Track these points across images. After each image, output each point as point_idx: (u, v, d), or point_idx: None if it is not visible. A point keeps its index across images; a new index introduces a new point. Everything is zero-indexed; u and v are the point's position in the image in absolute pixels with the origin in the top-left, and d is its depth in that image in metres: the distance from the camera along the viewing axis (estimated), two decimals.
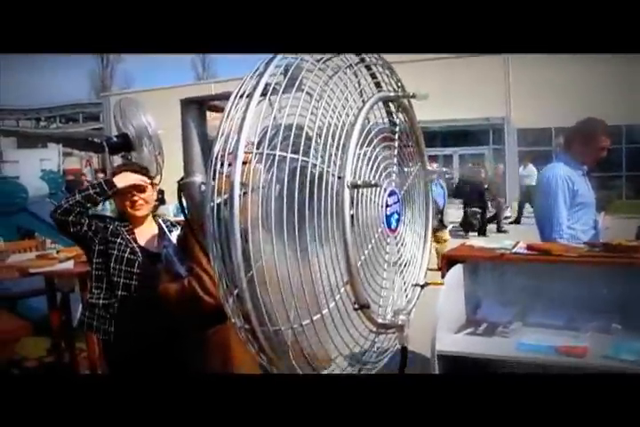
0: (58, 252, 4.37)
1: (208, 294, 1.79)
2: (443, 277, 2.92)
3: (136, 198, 2.64)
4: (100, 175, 17.67)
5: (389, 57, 1.30)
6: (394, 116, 1.35)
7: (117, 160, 4.26)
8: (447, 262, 3.02)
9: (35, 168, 9.74)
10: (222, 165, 0.94)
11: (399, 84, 1.34)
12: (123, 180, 2.58)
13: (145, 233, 2.68)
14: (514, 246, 3.12)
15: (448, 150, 19.85)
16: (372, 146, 1.16)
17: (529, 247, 3.07)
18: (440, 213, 8.73)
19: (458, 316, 3.05)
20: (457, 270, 2.97)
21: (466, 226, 12.41)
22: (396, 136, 1.33)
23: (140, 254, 2.57)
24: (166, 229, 2.15)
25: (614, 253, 2.79)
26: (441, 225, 8.69)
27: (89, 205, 2.54)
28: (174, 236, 2.05)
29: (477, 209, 12.35)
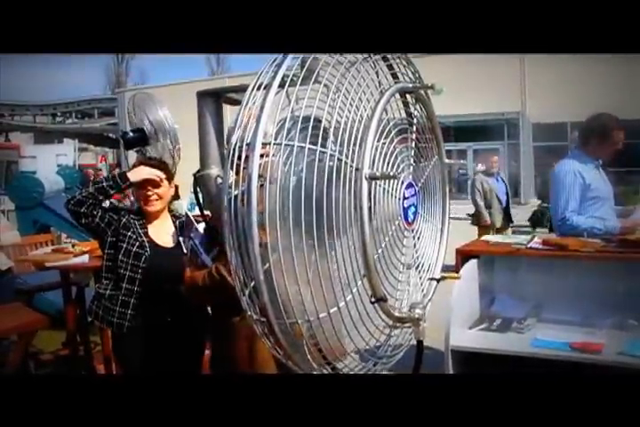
0: (73, 246, 4.39)
1: None
2: (457, 271, 2.91)
3: (149, 193, 2.63)
4: (116, 171, 17.80)
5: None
6: (411, 107, 1.34)
7: (132, 155, 4.28)
8: (462, 257, 3.00)
9: (51, 163, 9.81)
10: (240, 156, 0.94)
11: (416, 75, 1.32)
12: (137, 174, 2.58)
13: (158, 228, 2.69)
14: (529, 241, 3.10)
15: (462, 145, 19.72)
16: (389, 138, 1.15)
17: (544, 242, 3.04)
18: (505, 210, 7.94)
19: (472, 311, 3.04)
20: (472, 265, 2.95)
21: (537, 222, 10.74)
22: (414, 128, 1.32)
23: (148, 249, 2.57)
24: (194, 220, 2.16)
25: (631, 249, 2.75)
26: (506, 223, 7.97)
27: (101, 197, 2.54)
28: (201, 227, 2.06)
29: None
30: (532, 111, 18.97)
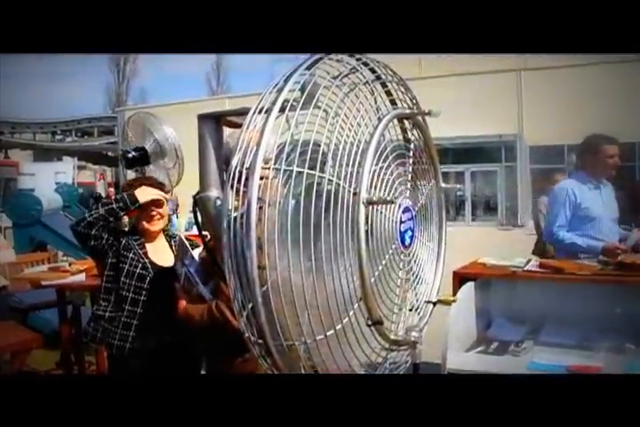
0: (70, 264, 4.39)
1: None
2: (454, 294, 2.91)
3: (154, 213, 2.65)
4: (111, 189, 17.70)
5: (404, 73, 1.32)
6: (408, 133, 1.36)
7: (130, 174, 4.29)
8: (459, 280, 3.01)
9: (50, 181, 9.85)
10: (239, 179, 0.95)
11: (414, 101, 1.35)
12: (144, 194, 2.59)
13: (156, 248, 2.69)
14: (526, 264, 3.11)
15: (460, 167, 19.83)
16: (386, 162, 1.17)
17: (541, 265, 3.05)
18: None
19: (469, 334, 3.03)
20: (468, 288, 2.96)
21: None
22: (411, 153, 1.33)
23: (151, 270, 2.57)
24: (189, 247, 2.12)
25: (628, 272, 2.76)
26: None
27: (111, 219, 2.55)
28: (196, 254, 2.02)
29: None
30: (529, 134, 19.12)
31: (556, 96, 17.68)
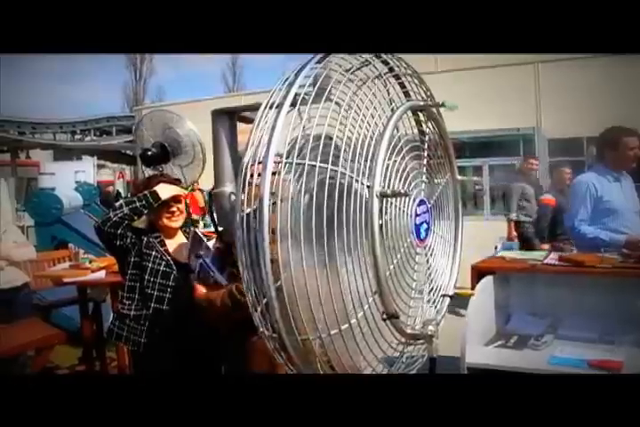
0: (90, 262, 4.43)
1: None
2: (473, 288, 2.89)
3: (174, 209, 2.65)
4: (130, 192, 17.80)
5: (421, 68, 1.31)
6: (423, 125, 1.35)
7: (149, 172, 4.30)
8: (478, 274, 2.98)
9: (70, 180, 9.94)
10: (252, 175, 0.95)
11: (428, 94, 1.33)
12: (165, 191, 2.60)
13: (175, 245, 2.69)
14: (545, 257, 3.07)
15: (478, 161, 19.66)
16: (401, 155, 1.16)
17: (561, 259, 3.02)
18: None
19: (488, 328, 3.01)
20: (487, 282, 2.93)
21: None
22: (425, 146, 1.32)
23: (174, 267, 2.58)
24: (204, 238, 2.15)
25: None
26: None
27: (136, 217, 2.56)
28: (211, 245, 2.05)
29: None
30: (547, 127, 18.89)
31: (575, 88, 17.43)
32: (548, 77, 18.45)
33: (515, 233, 6.43)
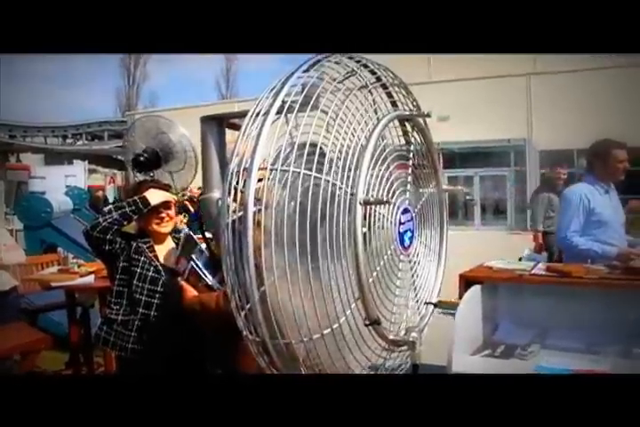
0: (79, 266, 4.41)
1: None
2: (460, 297, 2.90)
3: (164, 215, 2.65)
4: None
5: (414, 78, 1.32)
6: (409, 135, 1.37)
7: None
8: (465, 283, 2.99)
9: (60, 184, 9.90)
10: (238, 181, 0.97)
11: (415, 104, 1.35)
12: (155, 197, 2.60)
13: (165, 250, 2.69)
14: (532, 268, 3.09)
15: (469, 171, 19.76)
16: (385, 164, 1.17)
17: (548, 269, 3.04)
18: None
19: (475, 338, 3.02)
20: (474, 291, 2.94)
21: None
22: (411, 155, 1.34)
23: (163, 273, 2.57)
24: (197, 241, 2.15)
25: (635, 276, 2.74)
26: None
27: (125, 222, 2.55)
28: (203, 248, 2.06)
29: None
30: (538, 138, 19.02)
31: (566, 100, 17.58)
32: (540, 89, 18.61)
33: (542, 244, 6.29)
